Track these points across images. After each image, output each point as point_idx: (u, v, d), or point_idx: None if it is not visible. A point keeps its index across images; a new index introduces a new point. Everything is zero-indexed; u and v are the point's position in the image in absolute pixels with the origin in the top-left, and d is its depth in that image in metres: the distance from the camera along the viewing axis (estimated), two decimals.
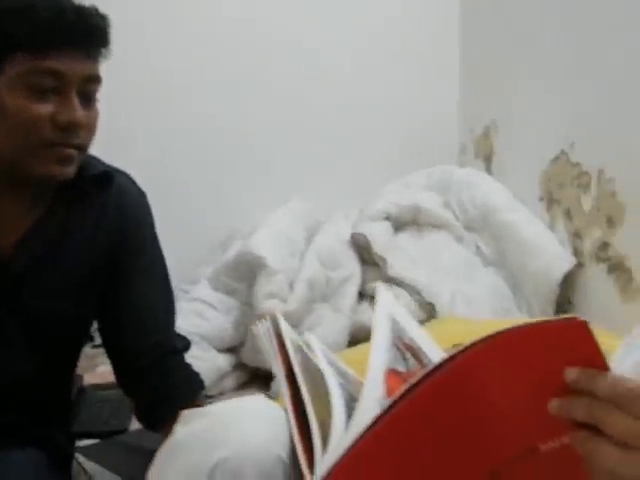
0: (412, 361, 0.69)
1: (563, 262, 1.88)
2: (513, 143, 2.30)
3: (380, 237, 2.03)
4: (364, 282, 2.00)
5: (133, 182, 1.17)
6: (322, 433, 0.61)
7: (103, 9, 1.01)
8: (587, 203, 1.84)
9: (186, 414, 0.73)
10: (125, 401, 1.25)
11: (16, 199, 1.03)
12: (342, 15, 2.53)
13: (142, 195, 1.17)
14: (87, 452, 1.27)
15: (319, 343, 0.73)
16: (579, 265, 1.89)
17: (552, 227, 2.03)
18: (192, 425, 0.71)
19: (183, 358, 1.16)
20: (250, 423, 0.69)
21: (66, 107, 0.97)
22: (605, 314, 1.80)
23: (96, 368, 1.85)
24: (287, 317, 1.85)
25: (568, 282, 1.90)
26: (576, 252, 1.91)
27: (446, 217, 2.16)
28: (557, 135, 1.97)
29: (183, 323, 1.31)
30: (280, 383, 0.68)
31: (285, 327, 0.75)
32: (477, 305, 1.86)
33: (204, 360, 1.76)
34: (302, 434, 0.63)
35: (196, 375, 1.16)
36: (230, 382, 1.89)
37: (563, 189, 1.96)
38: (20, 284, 1.05)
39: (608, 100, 1.73)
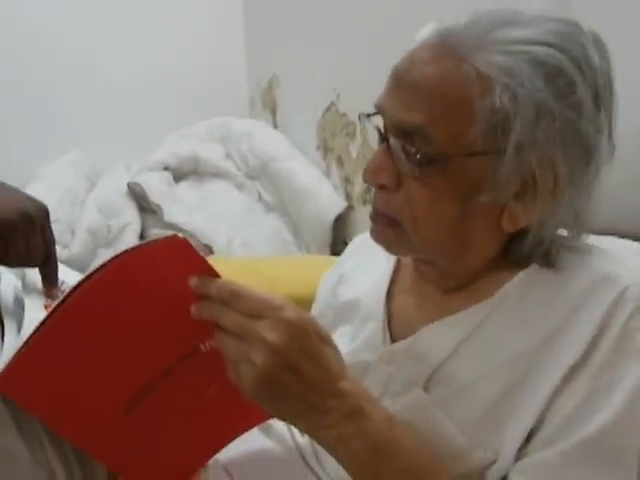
0: None
1: (335, 206, 2.04)
2: (292, 96, 2.41)
3: (156, 186, 2.11)
4: (145, 228, 2.10)
5: None
6: None
7: None
8: (354, 150, 1.99)
9: None
10: None
11: None
12: None
13: None
14: None
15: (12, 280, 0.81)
16: (350, 208, 2.04)
17: (328, 174, 2.17)
18: None
19: None
20: None
21: None
22: None
23: None
24: (71, 261, 1.91)
25: (342, 224, 2.06)
26: (348, 196, 2.07)
27: (226, 167, 2.27)
28: (327, 88, 2.09)
29: None
30: None
31: None
32: (256, 248, 1.99)
33: None
34: None
35: None
36: None
37: (335, 138, 2.10)
38: None
39: (367, 55, 1.86)
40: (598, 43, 0.71)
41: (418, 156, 0.70)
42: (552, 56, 0.68)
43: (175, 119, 2.48)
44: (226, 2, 2.66)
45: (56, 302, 0.62)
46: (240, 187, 2.25)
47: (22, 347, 0.62)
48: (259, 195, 2.25)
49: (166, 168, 2.21)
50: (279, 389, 0.62)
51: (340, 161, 2.10)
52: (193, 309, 0.64)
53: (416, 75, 0.71)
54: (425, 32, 0.73)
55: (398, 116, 0.71)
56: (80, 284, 0.61)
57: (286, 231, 2.14)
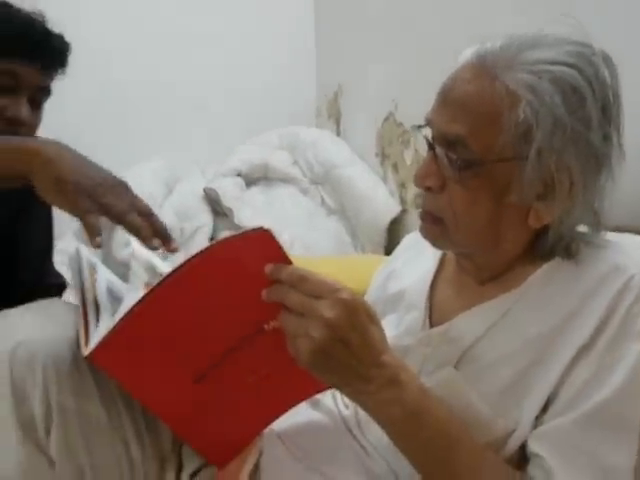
0: None
1: (390, 210, 2.13)
2: (355, 106, 2.52)
3: (229, 191, 2.23)
4: (216, 230, 2.21)
5: None
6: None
7: None
8: (409, 157, 2.08)
9: None
10: None
11: None
12: None
13: None
14: None
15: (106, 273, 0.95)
16: (404, 212, 2.13)
17: (385, 179, 2.26)
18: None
19: (58, 293, 1.33)
20: (43, 315, 0.89)
21: (15, 105, 1.13)
22: None
23: None
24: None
25: (396, 227, 2.15)
26: (402, 201, 2.16)
27: (293, 173, 2.37)
28: (386, 99, 2.19)
29: None
30: (75, 290, 0.88)
31: (84, 255, 0.94)
32: (316, 249, 2.09)
33: None
34: (86, 322, 0.82)
35: None
36: None
37: (391, 146, 2.19)
38: None
39: (423, 70, 1.94)
40: (608, 62, 0.80)
41: (458, 162, 0.80)
42: (569, 74, 0.77)
43: (248, 128, 2.60)
44: (298, 20, 2.79)
45: (150, 286, 0.72)
46: (305, 192, 2.35)
47: (116, 324, 0.72)
48: (322, 199, 2.35)
49: (239, 174, 2.34)
50: (331, 359, 0.70)
51: (396, 167, 2.19)
52: (264, 292, 0.73)
53: (458, 93, 0.80)
54: (467, 53, 0.83)
55: (443, 128, 0.81)
56: (173, 272, 0.70)
57: (345, 233, 2.23)
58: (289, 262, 0.73)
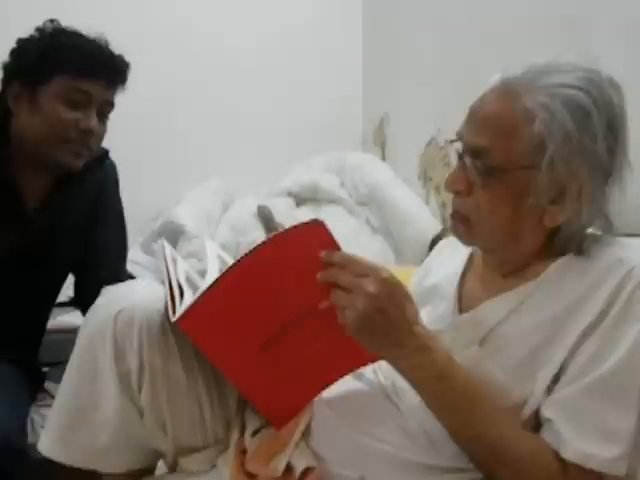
0: None
1: (431, 229, 2.23)
2: (399, 133, 2.65)
3: (281, 209, 2.36)
4: None
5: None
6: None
7: None
8: None
9: (103, 290, 1.06)
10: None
11: (35, 176, 1.37)
12: (252, 4, 2.83)
13: (115, 166, 1.56)
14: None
15: (184, 262, 1.09)
16: (445, 230, 2.19)
17: (427, 200, 2.38)
18: (105, 294, 1.05)
19: None
20: (140, 290, 1.03)
21: (87, 117, 1.32)
22: None
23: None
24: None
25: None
26: (444, 220, 2.26)
27: (340, 194, 2.49)
28: (429, 124, 2.31)
29: None
30: (163, 277, 1.02)
31: (168, 248, 1.09)
32: None
33: None
34: (172, 296, 0.95)
35: None
36: None
37: (434, 168, 2.31)
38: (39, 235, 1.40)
39: (463, 95, 2.06)
40: (615, 86, 0.92)
41: (483, 169, 0.91)
42: (578, 96, 0.89)
43: (298, 152, 2.74)
44: (346, 56, 2.94)
45: (226, 268, 0.84)
46: (351, 212, 2.46)
47: (198, 298, 0.85)
48: (367, 219, 2.46)
49: (289, 194, 2.47)
50: (372, 327, 0.82)
51: (438, 189, 2.30)
52: (319, 275, 0.84)
53: (484, 111, 0.94)
54: (494, 78, 0.97)
55: (470, 140, 0.94)
56: (243, 258, 0.82)
57: (389, 251, 2.34)
58: (339, 248, 0.85)
